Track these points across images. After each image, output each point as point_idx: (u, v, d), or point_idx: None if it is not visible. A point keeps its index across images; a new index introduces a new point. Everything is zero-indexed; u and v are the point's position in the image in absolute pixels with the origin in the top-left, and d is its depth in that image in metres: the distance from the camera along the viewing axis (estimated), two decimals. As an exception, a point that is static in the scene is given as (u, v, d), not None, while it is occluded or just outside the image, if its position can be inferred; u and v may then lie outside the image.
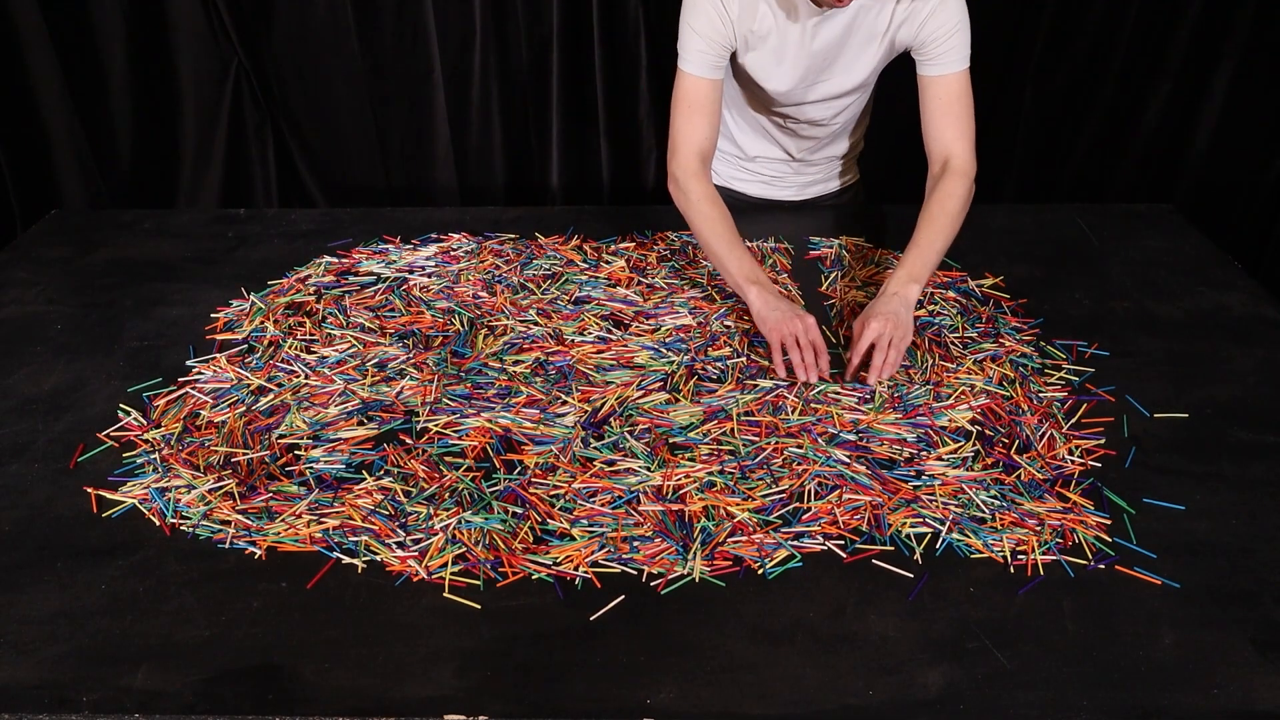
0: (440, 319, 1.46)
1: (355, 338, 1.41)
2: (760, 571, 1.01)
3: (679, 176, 1.47)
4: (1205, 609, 0.96)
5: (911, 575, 1.00)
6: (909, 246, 1.38)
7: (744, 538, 1.04)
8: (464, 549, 1.03)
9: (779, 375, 1.29)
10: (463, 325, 1.44)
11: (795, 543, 1.04)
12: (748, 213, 1.76)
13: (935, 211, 1.40)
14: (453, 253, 1.66)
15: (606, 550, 1.03)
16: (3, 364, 1.38)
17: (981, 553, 1.02)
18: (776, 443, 1.18)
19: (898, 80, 1.56)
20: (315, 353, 1.38)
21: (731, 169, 1.77)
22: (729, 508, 1.08)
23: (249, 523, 1.07)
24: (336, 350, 1.38)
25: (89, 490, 1.13)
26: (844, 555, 1.03)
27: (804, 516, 1.07)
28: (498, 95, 2.41)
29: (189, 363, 1.37)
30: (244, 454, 1.18)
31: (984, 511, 1.07)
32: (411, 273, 1.60)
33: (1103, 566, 1.01)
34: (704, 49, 1.45)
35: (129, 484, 1.13)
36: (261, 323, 1.46)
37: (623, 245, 1.68)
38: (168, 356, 1.39)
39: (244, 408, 1.26)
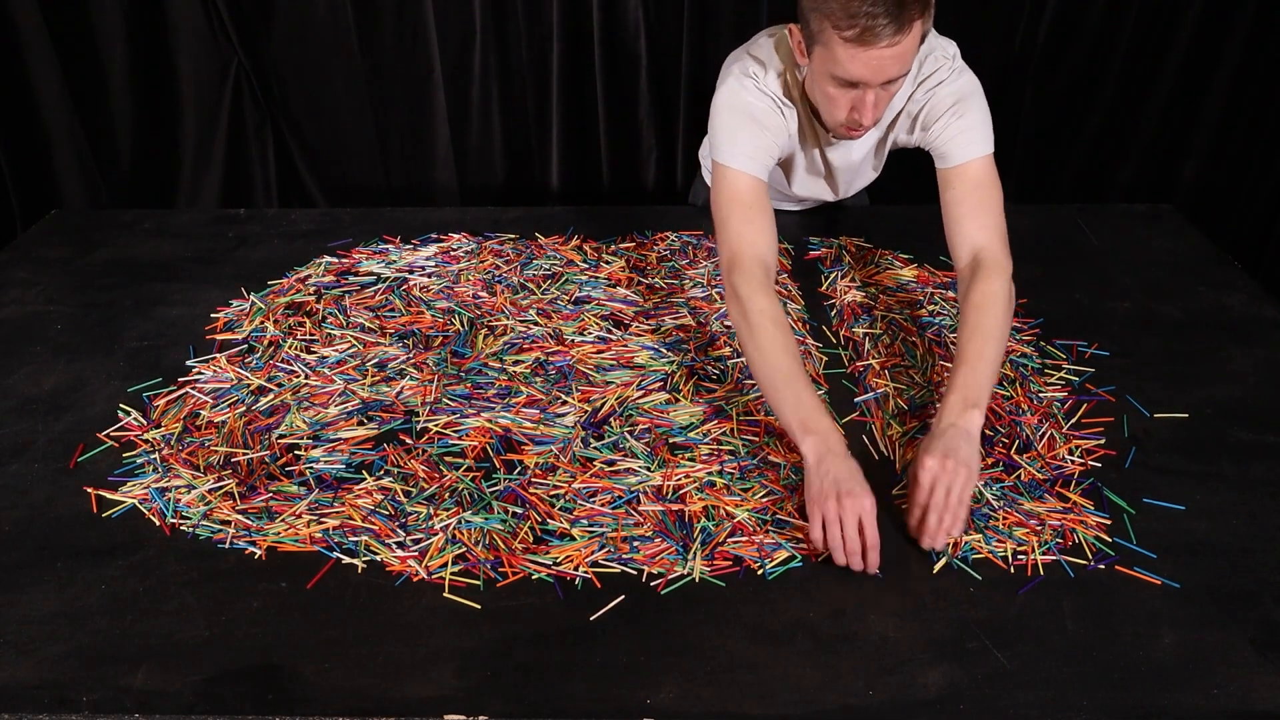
0: (440, 319, 1.46)
1: (355, 338, 1.41)
2: (760, 572, 1.01)
3: (740, 289, 1.21)
4: (1205, 609, 0.96)
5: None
6: (956, 365, 1.14)
7: (744, 538, 1.04)
8: (464, 549, 1.03)
9: (814, 548, 1.03)
10: (463, 325, 1.44)
11: (795, 543, 1.04)
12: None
13: (975, 320, 1.17)
14: (453, 253, 1.66)
15: (606, 550, 1.03)
16: (3, 364, 1.38)
17: (981, 553, 1.02)
18: (773, 446, 1.18)
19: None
20: (315, 353, 1.38)
21: None
22: (729, 508, 1.08)
23: (249, 523, 1.07)
24: (336, 350, 1.38)
25: (89, 490, 1.13)
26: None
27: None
28: (498, 95, 2.41)
29: (189, 363, 1.37)
30: (244, 454, 1.18)
31: (992, 510, 1.07)
32: (411, 273, 1.59)
33: (1103, 566, 1.01)
34: (763, 147, 1.30)
35: (129, 484, 1.13)
36: (261, 323, 1.46)
37: (623, 245, 1.68)
38: (168, 356, 1.39)
39: (244, 408, 1.26)
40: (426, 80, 2.38)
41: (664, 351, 1.37)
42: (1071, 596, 0.97)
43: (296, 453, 1.18)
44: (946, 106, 1.30)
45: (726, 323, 1.43)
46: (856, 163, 1.45)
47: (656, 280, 1.56)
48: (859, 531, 0.99)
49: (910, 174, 2.40)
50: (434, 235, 1.72)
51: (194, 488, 1.12)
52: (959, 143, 1.29)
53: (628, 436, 1.20)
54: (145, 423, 1.24)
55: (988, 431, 1.20)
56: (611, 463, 1.16)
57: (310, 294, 1.54)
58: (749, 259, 1.24)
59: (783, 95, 1.33)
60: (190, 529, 1.07)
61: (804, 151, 1.43)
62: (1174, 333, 1.42)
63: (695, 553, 1.02)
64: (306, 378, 1.32)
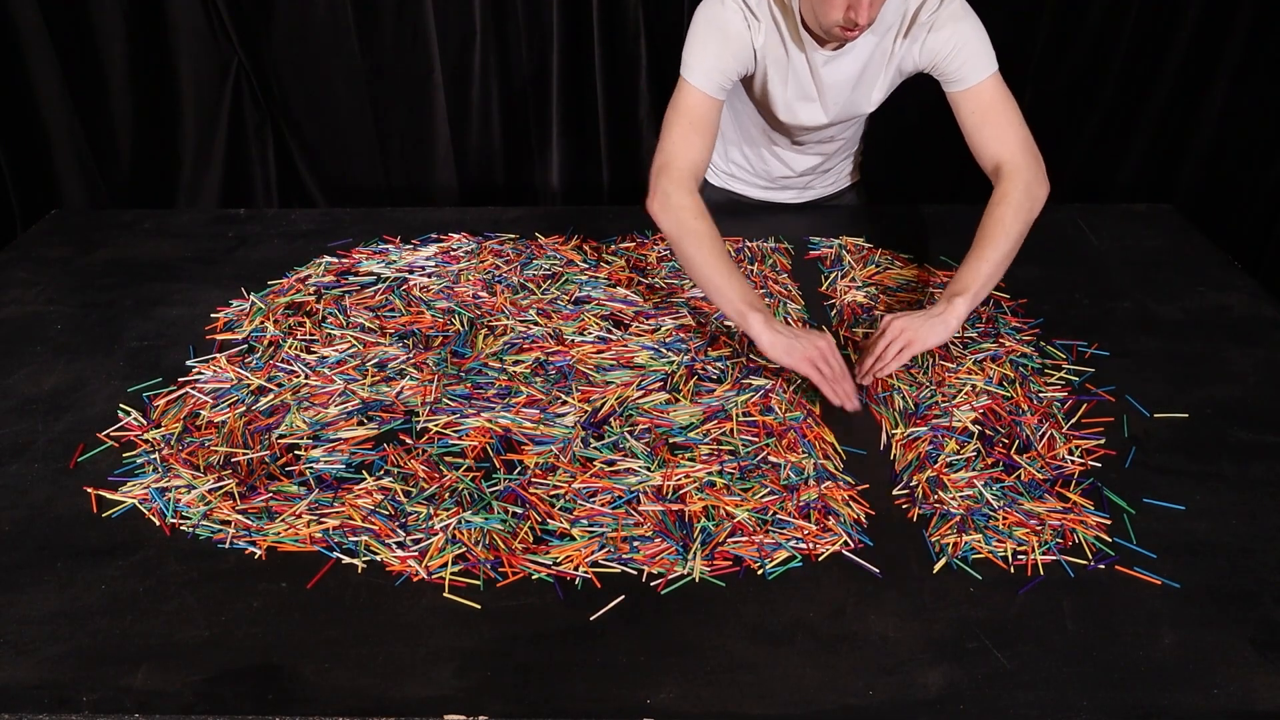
0: (440, 319, 1.46)
1: (355, 338, 1.41)
2: (760, 572, 1.01)
3: (670, 192, 1.34)
4: (1205, 609, 0.96)
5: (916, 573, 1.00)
6: (961, 263, 1.31)
7: (744, 538, 1.04)
8: (464, 549, 1.03)
9: (848, 405, 1.21)
10: (463, 325, 1.44)
11: (795, 543, 1.04)
12: (748, 213, 1.76)
13: (982, 224, 1.31)
14: (453, 253, 1.66)
15: (606, 550, 1.03)
16: (3, 364, 1.38)
17: (981, 553, 1.02)
18: (773, 447, 1.18)
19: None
20: (315, 353, 1.38)
21: (734, 179, 1.77)
22: (729, 508, 1.08)
23: (249, 523, 1.07)
24: (336, 350, 1.38)
25: (89, 490, 1.13)
26: (847, 549, 1.03)
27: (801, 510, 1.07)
28: (498, 95, 2.41)
29: (189, 363, 1.37)
30: (244, 454, 1.18)
31: (992, 510, 1.07)
32: (411, 273, 1.59)
33: (1103, 566, 1.01)
34: (721, 67, 1.37)
35: (129, 484, 1.13)
36: (261, 323, 1.46)
37: (623, 245, 1.68)
38: (168, 356, 1.39)
39: (244, 408, 1.26)
40: (426, 80, 2.38)
41: (664, 351, 1.37)
42: (1071, 596, 0.97)
43: (296, 453, 1.18)
44: (949, 29, 1.34)
45: (727, 323, 1.42)
46: (851, 78, 1.44)
47: (656, 280, 1.56)
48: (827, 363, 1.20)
49: (910, 173, 2.41)
50: (434, 235, 1.72)
51: (194, 488, 1.12)
52: (969, 66, 1.35)
53: (628, 436, 1.20)
54: (145, 423, 1.24)
55: (988, 431, 1.20)
56: (611, 463, 1.16)
57: (310, 294, 1.54)
58: (680, 168, 1.36)
59: (756, 3, 1.36)
60: (190, 529, 1.07)
61: (791, 68, 1.42)
62: (1174, 333, 1.42)
63: (695, 553, 1.02)
64: (306, 378, 1.32)
